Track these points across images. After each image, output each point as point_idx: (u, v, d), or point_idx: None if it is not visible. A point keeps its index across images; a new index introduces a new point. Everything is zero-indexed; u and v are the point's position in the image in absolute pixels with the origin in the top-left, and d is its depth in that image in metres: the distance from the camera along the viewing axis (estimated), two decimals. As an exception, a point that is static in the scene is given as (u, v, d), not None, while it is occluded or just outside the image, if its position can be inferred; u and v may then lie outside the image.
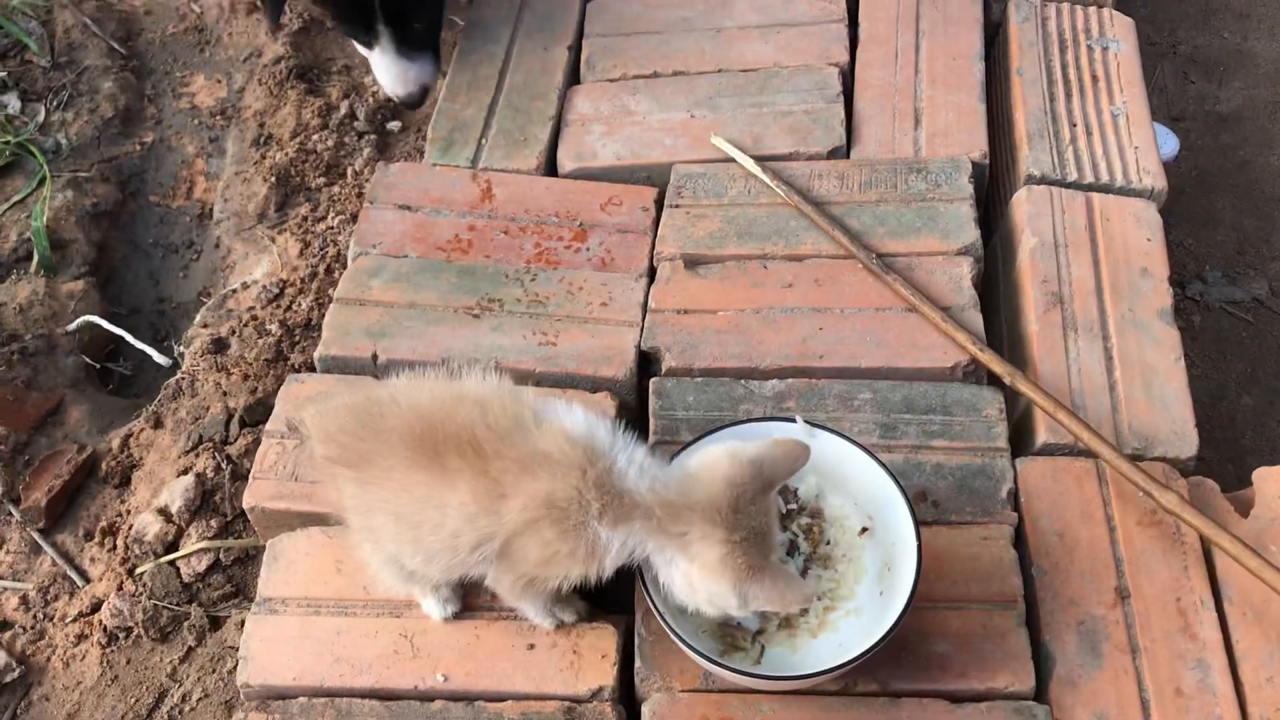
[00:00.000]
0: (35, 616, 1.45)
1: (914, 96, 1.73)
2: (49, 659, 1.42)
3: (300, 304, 1.68)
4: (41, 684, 1.40)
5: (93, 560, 1.49)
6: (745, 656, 1.17)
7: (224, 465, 1.49)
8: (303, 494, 1.34)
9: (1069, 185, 1.59)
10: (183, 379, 1.61)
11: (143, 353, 1.73)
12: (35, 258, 1.79)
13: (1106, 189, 1.59)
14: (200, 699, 1.36)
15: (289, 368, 1.59)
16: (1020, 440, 1.40)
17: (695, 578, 1.05)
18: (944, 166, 1.61)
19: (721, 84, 1.76)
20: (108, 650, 1.41)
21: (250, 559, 1.45)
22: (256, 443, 1.46)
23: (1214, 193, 2.00)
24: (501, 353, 1.45)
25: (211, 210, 1.92)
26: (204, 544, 1.44)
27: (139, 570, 1.44)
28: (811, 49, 1.81)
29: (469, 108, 1.77)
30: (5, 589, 1.48)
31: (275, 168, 1.87)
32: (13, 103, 2.00)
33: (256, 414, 1.54)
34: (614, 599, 1.24)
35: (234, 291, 1.75)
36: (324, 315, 1.52)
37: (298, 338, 1.64)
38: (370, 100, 1.97)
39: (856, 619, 1.18)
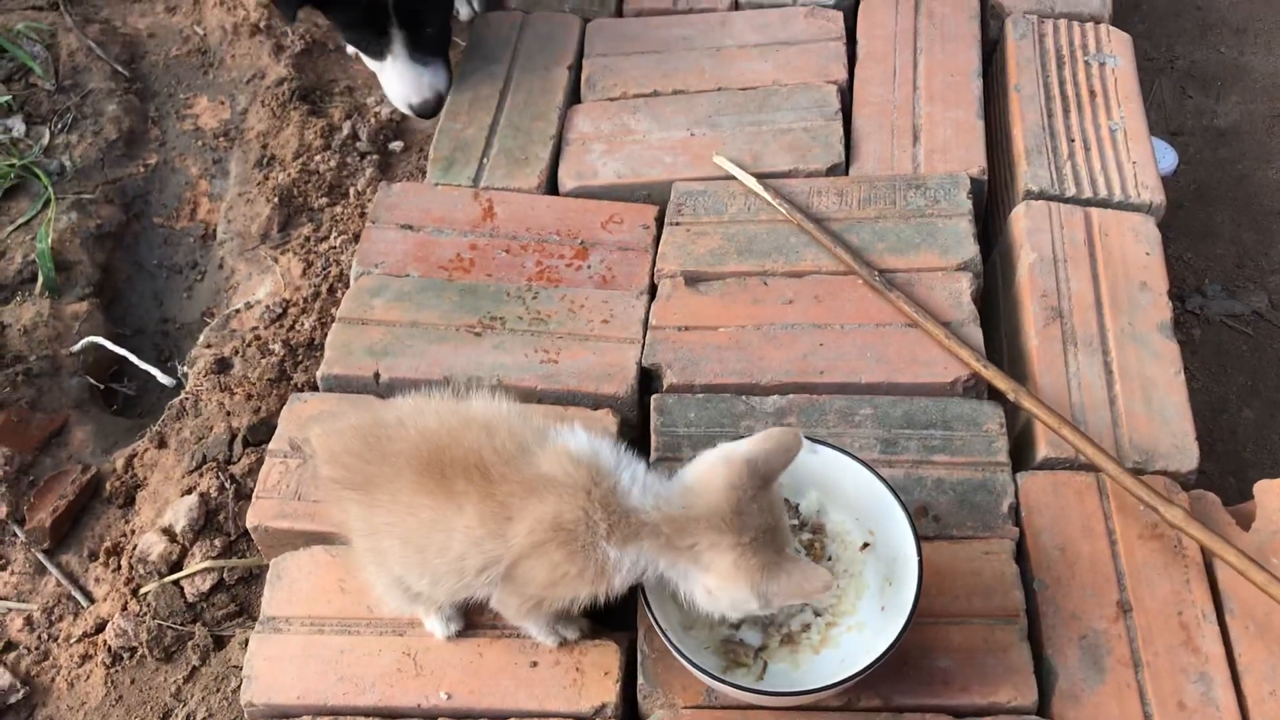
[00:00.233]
0: (40, 637, 1.46)
1: (912, 113, 1.74)
2: (53, 680, 1.42)
3: (303, 323, 1.69)
4: (46, 705, 1.40)
5: (97, 580, 1.50)
6: (748, 673, 1.17)
7: (227, 485, 1.50)
8: (306, 513, 1.34)
9: (1067, 200, 1.60)
10: (186, 399, 1.62)
11: (147, 373, 1.74)
12: (40, 279, 1.80)
13: (1105, 204, 1.59)
14: (205, 718, 1.36)
15: (292, 387, 1.60)
16: (1021, 454, 1.40)
17: (713, 587, 1.05)
18: (943, 182, 1.62)
19: (721, 102, 1.77)
20: (112, 670, 1.41)
21: (254, 578, 1.45)
22: (260, 462, 1.47)
23: (1213, 207, 2.00)
24: (503, 371, 1.46)
25: (215, 231, 1.93)
26: (208, 563, 1.44)
27: (143, 590, 1.44)
28: (810, 67, 1.82)
29: (470, 127, 1.78)
30: (10, 610, 1.48)
31: (278, 188, 1.88)
32: (17, 126, 2.02)
33: (260, 433, 1.54)
34: (616, 616, 1.24)
35: (237, 312, 1.76)
36: (326, 334, 1.52)
37: (300, 357, 1.64)
38: (372, 121, 1.98)
39: (858, 634, 1.18)
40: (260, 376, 1.61)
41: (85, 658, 1.42)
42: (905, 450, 1.36)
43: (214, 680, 1.39)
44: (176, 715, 1.37)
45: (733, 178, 1.65)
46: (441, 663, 1.23)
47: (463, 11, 2.04)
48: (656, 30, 1.90)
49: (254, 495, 1.37)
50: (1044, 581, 1.26)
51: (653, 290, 1.56)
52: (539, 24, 1.93)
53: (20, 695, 1.40)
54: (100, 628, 1.44)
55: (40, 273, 1.80)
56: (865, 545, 1.23)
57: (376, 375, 1.47)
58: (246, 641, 1.28)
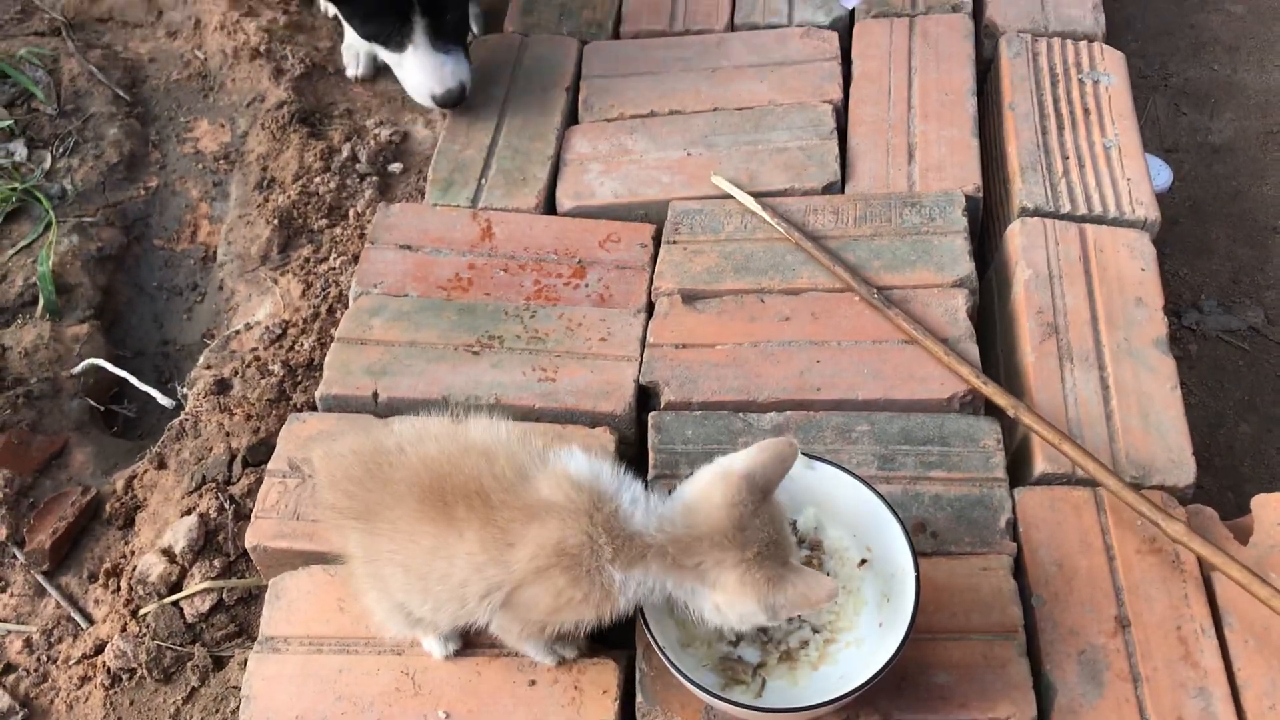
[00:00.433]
0: (39, 659, 1.46)
1: (907, 132, 1.75)
2: (52, 701, 1.42)
3: (302, 344, 1.70)
4: (45, 726, 1.40)
5: (97, 602, 1.50)
6: (746, 690, 1.17)
7: (227, 505, 1.50)
8: (304, 533, 1.35)
9: (1062, 217, 1.61)
10: (186, 420, 1.62)
11: (147, 395, 1.75)
12: (41, 302, 1.81)
13: (1100, 220, 1.60)
14: (203, 739, 1.36)
15: (291, 407, 1.60)
16: (1018, 470, 1.41)
17: (721, 603, 1.05)
18: (938, 200, 1.63)
19: (717, 122, 1.79)
20: (111, 692, 1.41)
21: (253, 598, 1.45)
22: (259, 482, 1.48)
23: (1208, 223, 2.01)
24: (501, 389, 1.46)
25: (215, 253, 1.94)
26: (207, 584, 1.44)
27: (142, 611, 1.44)
28: (805, 87, 1.83)
29: (469, 148, 1.79)
30: (9, 632, 1.48)
31: (278, 210, 1.89)
32: (19, 150, 2.03)
33: (259, 454, 1.55)
34: (614, 635, 1.24)
35: (237, 333, 1.77)
36: (326, 355, 1.53)
37: (300, 377, 1.65)
38: (371, 143, 1.99)
39: (857, 650, 1.18)
40: (260, 397, 1.62)
41: (84, 679, 1.42)
42: (902, 466, 1.36)
43: (213, 701, 1.39)
44: (175, 736, 1.37)
45: (729, 197, 1.66)
46: (440, 682, 1.23)
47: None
48: (653, 52, 1.92)
49: (253, 515, 1.37)
50: (1042, 597, 1.26)
51: (650, 308, 1.57)
52: (537, 46, 1.95)
53: (19, 717, 1.40)
54: (99, 649, 1.44)
55: (41, 295, 1.81)
56: (863, 561, 1.23)
57: (375, 395, 1.47)
58: (245, 662, 1.28)
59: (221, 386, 1.66)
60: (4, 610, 1.51)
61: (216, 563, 1.46)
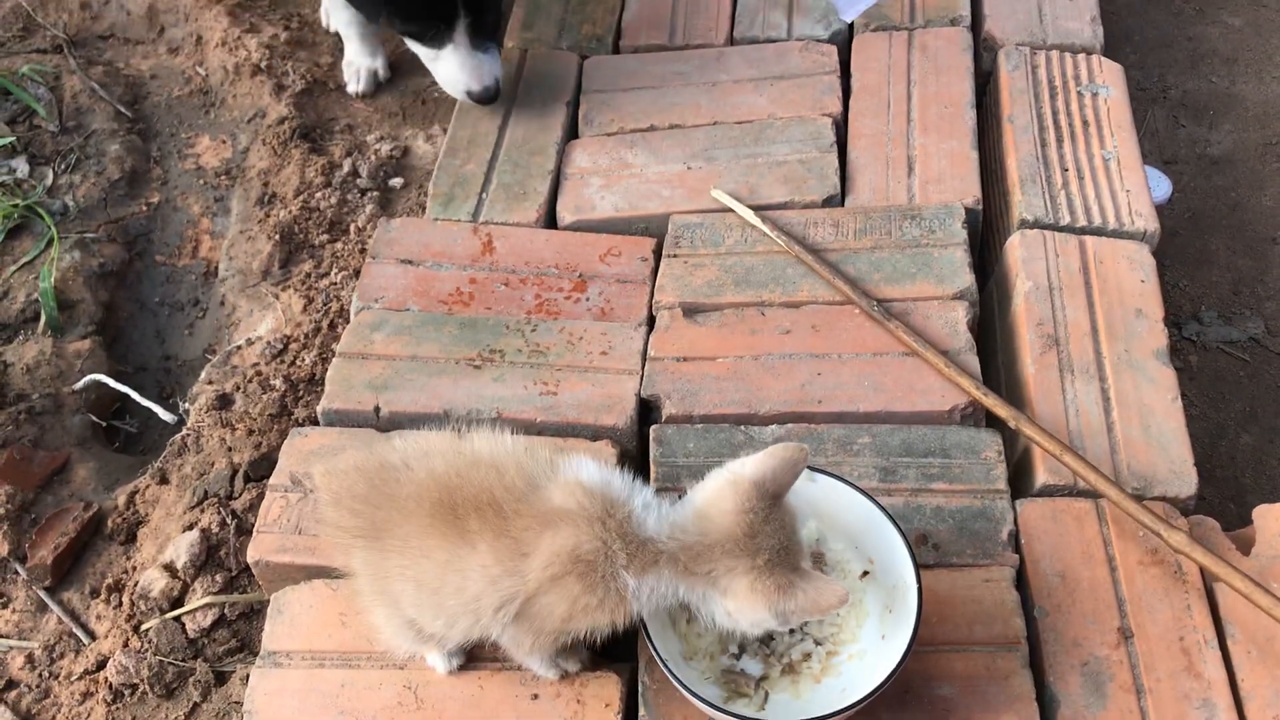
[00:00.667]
0: (41, 675, 1.46)
1: (907, 145, 1.76)
2: (54, 717, 1.42)
3: (304, 359, 1.70)
4: (47, 743, 1.40)
5: (99, 618, 1.50)
6: (749, 703, 1.17)
7: (229, 520, 1.50)
8: (306, 547, 1.35)
9: (1062, 229, 1.61)
10: (188, 435, 1.62)
11: (149, 410, 1.75)
12: (43, 318, 1.81)
13: (1100, 232, 1.61)
14: (205, 755, 1.36)
15: (293, 422, 1.60)
16: (1019, 482, 1.41)
17: (732, 610, 1.06)
18: (938, 213, 1.63)
19: (717, 136, 1.79)
20: (113, 708, 1.40)
21: (255, 613, 1.45)
22: (260, 497, 1.48)
23: (1208, 234, 2.01)
24: (503, 403, 1.46)
25: (217, 268, 1.95)
26: (209, 599, 1.44)
27: (144, 627, 1.44)
28: (805, 100, 1.84)
29: (469, 163, 1.80)
30: (11, 648, 1.48)
31: (279, 225, 1.90)
32: (21, 167, 2.04)
33: (261, 468, 1.55)
34: (617, 648, 1.24)
35: (238, 348, 1.77)
36: (327, 370, 1.53)
37: (301, 392, 1.65)
38: (372, 158, 2.00)
39: (859, 662, 1.18)
40: (261, 412, 1.62)
41: (86, 695, 1.42)
42: (904, 478, 1.36)
43: (215, 716, 1.38)
44: (177, 752, 1.37)
45: (729, 210, 1.67)
46: (442, 696, 1.23)
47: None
48: (653, 66, 1.93)
49: (255, 530, 1.37)
50: (1044, 608, 1.26)
51: (651, 322, 1.57)
52: (537, 61, 1.96)
53: (21, 733, 1.40)
54: (101, 665, 1.44)
55: (43, 311, 1.82)
56: (865, 573, 1.23)
57: (377, 409, 1.47)
58: (247, 677, 1.27)
59: (223, 401, 1.66)
60: (6, 626, 1.51)
61: (218, 578, 1.46)
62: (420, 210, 1.90)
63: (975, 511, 1.33)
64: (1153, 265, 1.56)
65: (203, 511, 1.51)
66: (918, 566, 1.17)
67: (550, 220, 1.74)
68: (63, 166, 2.05)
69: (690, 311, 1.56)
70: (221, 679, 1.41)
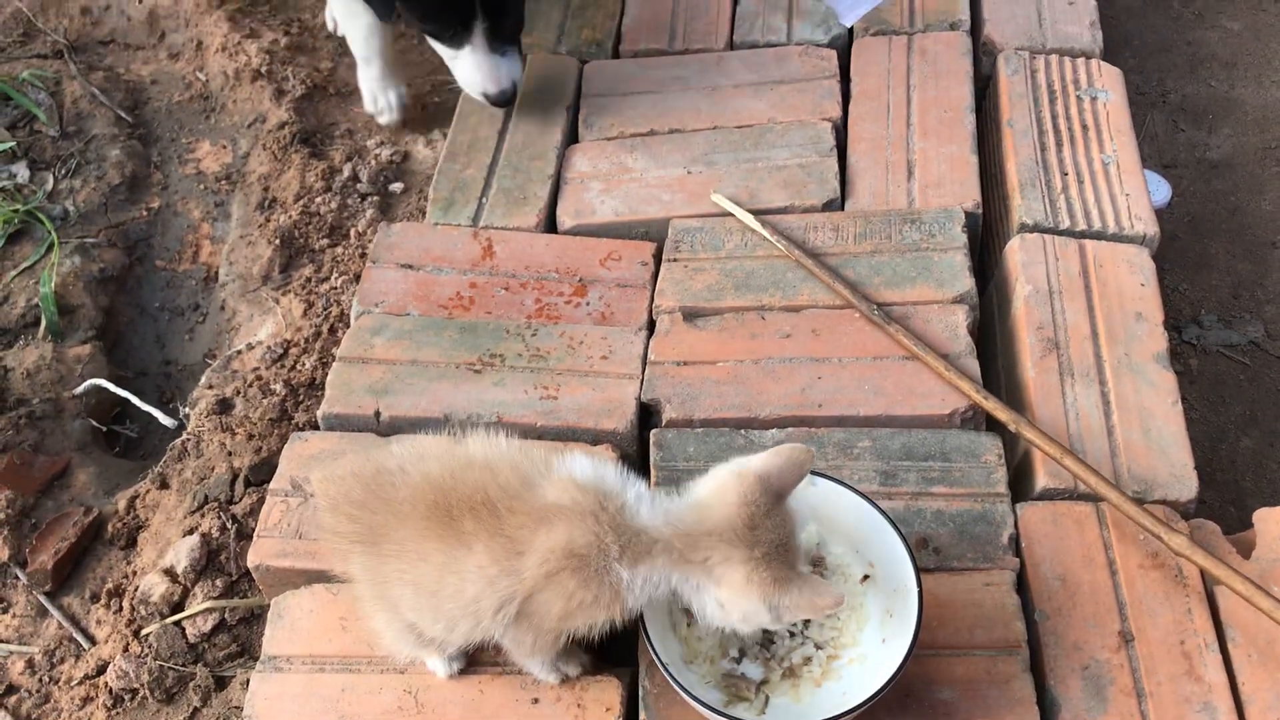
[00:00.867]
0: (41, 680, 1.46)
1: (906, 149, 1.76)
2: (54, 722, 1.42)
3: (304, 363, 1.70)
4: (47, 748, 1.40)
5: (99, 622, 1.50)
6: (749, 707, 1.17)
7: (229, 525, 1.50)
8: (307, 551, 1.34)
9: (1062, 233, 1.61)
10: (188, 440, 1.62)
11: (149, 415, 1.75)
12: (43, 323, 1.82)
13: (1099, 236, 1.61)
14: (205, 760, 1.36)
15: (293, 426, 1.61)
16: (1020, 485, 1.41)
17: (725, 600, 1.05)
18: (938, 217, 1.63)
19: (717, 140, 1.79)
20: (113, 713, 1.40)
21: (255, 618, 1.45)
22: (261, 501, 1.48)
23: (1207, 238, 2.02)
24: (503, 408, 1.46)
25: (217, 273, 1.95)
26: (209, 604, 1.44)
27: (145, 631, 1.44)
28: (805, 104, 1.84)
29: (469, 168, 1.80)
30: (11, 653, 1.48)
31: (279, 230, 1.90)
32: (22, 172, 2.04)
33: (261, 473, 1.55)
34: (617, 652, 1.24)
35: (239, 353, 1.77)
36: (327, 374, 1.53)
37: (301, 397, 1.65)
38: (372, 163, 2.00)
39: (860, 666, 1.18)
40: (261, 416, 1.62)
41: (87, 700, 1.42)
42: (904, 482, 1.36)
43: (215, 721, 1.38)
44: (178, 757, 1.37)
45: (730, 214, 1.67)
46: (443, 701, 1.23)
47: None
48: (653, 71, 1.93)
49: (255, 534, 1.37)
50: (1045, 612, 1.26)
51: (651, 326, 1.57)
52: (537, 66, 1.96)
53: (21, 739, 1.40)
54: (102, 669, 1.44)
55: (43, 316, 1.82)
56: (865, 577, 1.23)
57: (377, 414, 1.47)
58: (248, 682, 1.27)
59: (223, 406, 1.67)
60: (6, 631, 1.51)
61: (219, 582, 1.46)
62: (420, 215, 1.90)
63: (976, 515, 1.33)
64: (1152, 269, 1.56)
65: (203, 516, 1.51)
66: (918, 570, 1.17)
67: (550, 225, 1.74)
68: (63, 171, 2.06)
69: (690, 316, 1.56)
70: (222, 684, 1.41)
